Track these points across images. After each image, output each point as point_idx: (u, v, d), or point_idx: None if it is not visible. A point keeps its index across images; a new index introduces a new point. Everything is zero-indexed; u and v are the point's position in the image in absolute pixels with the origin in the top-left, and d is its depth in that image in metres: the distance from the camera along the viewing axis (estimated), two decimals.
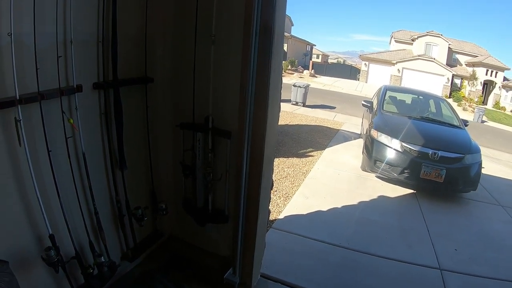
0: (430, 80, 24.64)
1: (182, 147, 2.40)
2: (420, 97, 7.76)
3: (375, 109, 6.74)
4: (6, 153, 1.55)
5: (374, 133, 5.73)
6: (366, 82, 27.10)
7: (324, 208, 4.38)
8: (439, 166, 5.10)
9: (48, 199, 1.73)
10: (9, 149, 1.55)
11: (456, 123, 6.47)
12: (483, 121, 19.45)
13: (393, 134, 5.55)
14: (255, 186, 2.19)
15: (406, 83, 23.55)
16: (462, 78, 27.61)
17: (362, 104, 7.18)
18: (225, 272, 2.39)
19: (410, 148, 5.33)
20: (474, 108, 21.29)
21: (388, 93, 7.30)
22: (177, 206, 2.60)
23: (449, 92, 25.13)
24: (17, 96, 1.49)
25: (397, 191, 5.36)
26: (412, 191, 5.37)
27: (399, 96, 7.65)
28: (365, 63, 28.71)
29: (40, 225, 1.70)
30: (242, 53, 2.01)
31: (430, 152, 5.19)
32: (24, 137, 1.54)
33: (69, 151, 1.77)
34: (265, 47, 1.96)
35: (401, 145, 5.40)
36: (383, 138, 5.58)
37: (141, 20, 2.13)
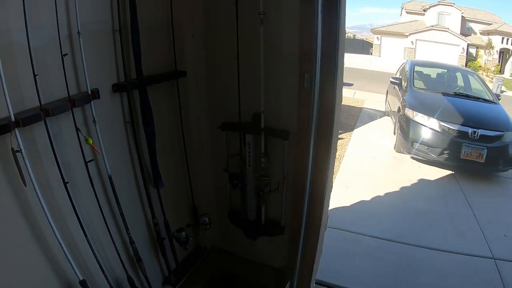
0: (445, 51, 22.84)
1: (226, 152, 1.88)
2: (447, 71, 6.98)
3: (405, 86, 6.03)
4: (10, 197, 1.06)
5: (409, 112, 5.11)
6: (379, 56, 25.27)
7: (367, 198, 3.93)
8: (480, 145, 4.55)
9: (72, 241, 1.27)
10: (13, 192, 1.06)
11: (488, 97, 5.74)
12: (502, 91, 18.03)
13: (429, 112, 4.94)
14: (319, 193, 1.69)
15: (420, 55, 21.93)
16: (477, 47, 25.51)
17: (391, 81, 6.49)
18: (280, 286, 1.97)
19: (448, 128, 4.74)
20: (492, 78, 19.72)
21: (416, 68, 6.53)
22: (220, 217, 2.12)
23: (465, 62, 23.24)
24: (12, 117, 0.98)
25: (435, 172, 4.84)
26: (450, 172, 4.85)
27: (425, 70, 6.88)
28: (377, 37, 26.38)
29: (67, 272, 1.26)
30: (300, 31, 1.43)
31: (470, 131, 4.61)
32: (30, 172, 1.05)
33: (92, 178, 1.28)
34: (331, 21, 1.37)
35: (439, 124, 4.80)
36: (419, 117, 4.97)
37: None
